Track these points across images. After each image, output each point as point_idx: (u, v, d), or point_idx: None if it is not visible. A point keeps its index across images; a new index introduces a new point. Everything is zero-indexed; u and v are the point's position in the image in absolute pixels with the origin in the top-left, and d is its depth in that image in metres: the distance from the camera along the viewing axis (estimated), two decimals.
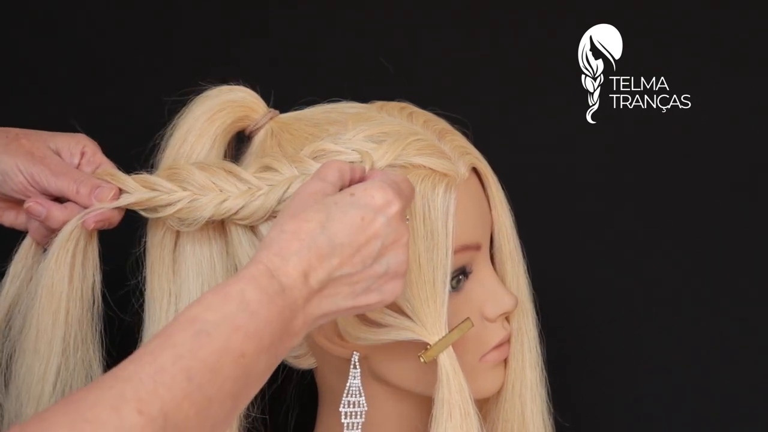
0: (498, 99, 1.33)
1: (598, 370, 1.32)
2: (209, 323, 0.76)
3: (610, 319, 1.32)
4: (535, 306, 1.05)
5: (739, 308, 1.30)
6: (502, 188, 1.03)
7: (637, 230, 1.32)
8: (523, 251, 1.05)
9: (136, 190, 0.95)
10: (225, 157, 1.01)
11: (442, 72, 1.32)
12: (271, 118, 1.02)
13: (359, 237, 0.85)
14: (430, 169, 0.96)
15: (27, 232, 0.98)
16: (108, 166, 0.98)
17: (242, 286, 0.79)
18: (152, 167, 1.00)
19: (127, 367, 0.74)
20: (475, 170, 1.01)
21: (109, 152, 1.00)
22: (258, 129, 1.02)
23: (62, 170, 0.95)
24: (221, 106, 1.01)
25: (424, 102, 1.05)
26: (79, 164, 0.97)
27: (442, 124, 1.02)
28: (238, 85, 1.02)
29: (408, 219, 0.91)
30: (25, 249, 0.99)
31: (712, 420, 1.31)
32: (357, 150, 0.96)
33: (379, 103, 1.03)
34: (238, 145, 1.03)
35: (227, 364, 0.76)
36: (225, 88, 1.02)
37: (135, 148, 1.03)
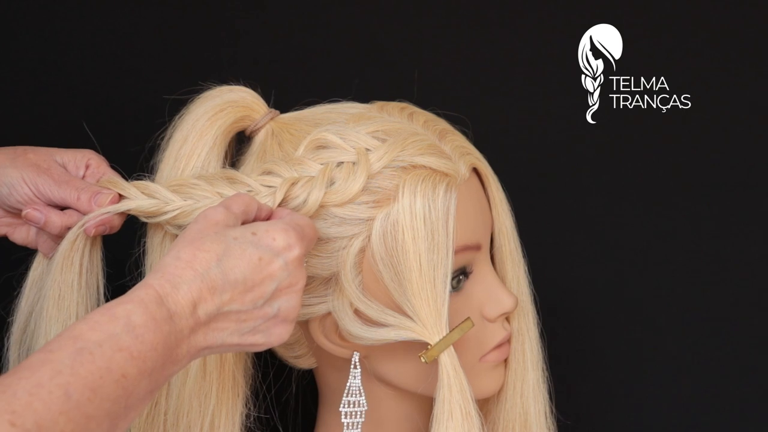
0: (498, 99, 1.33)
1: (598, 370, 1.32)
2: (92, 342, 0.76)
3: (610, 319, 1.32)
4: (536, 306, 1.05)
5: (740, 307, 1.30)
6: (503, 188, 1.03)
7: (637, 230, 1.32)
8: (523, 251, 1.05)
9: (136, 197, 0.95)
10: (225, 157, 1.01)
11: (442, 72, 1.32)
12: (271, 119, 1.02)
13: (254, 276, 0.84)
14: (431, 169, 0.96)
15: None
16: (112, 176, 0.98)
17: (130, 309, 0.79)
18: (152, 168, 1.00)
19: (3, 380, 0.73)
20: (475, 170, 1.01)
21: (110, 153, 1.00)
22: (258, 129, 1.02)
23: (65, 179, 0.95)
24: (222, 107, 1.00)
25: (424, 102, 1.05)
26: (84, 176, 0.98)
27: (443, 124, 1.02)
28: (238, 85, 1.02)
29: (306, 262, 0.89)
30: (41, 256, 0.99)
31: (712, 420, 1.31)
32: (356, 150, 0.96)
33: (379, 104, 1.03)
34: (238, 145, 1.03)
35: (108, 383, 0.75)
36: (225, 88, 1.02)
37: (135, 148, 1.03)
